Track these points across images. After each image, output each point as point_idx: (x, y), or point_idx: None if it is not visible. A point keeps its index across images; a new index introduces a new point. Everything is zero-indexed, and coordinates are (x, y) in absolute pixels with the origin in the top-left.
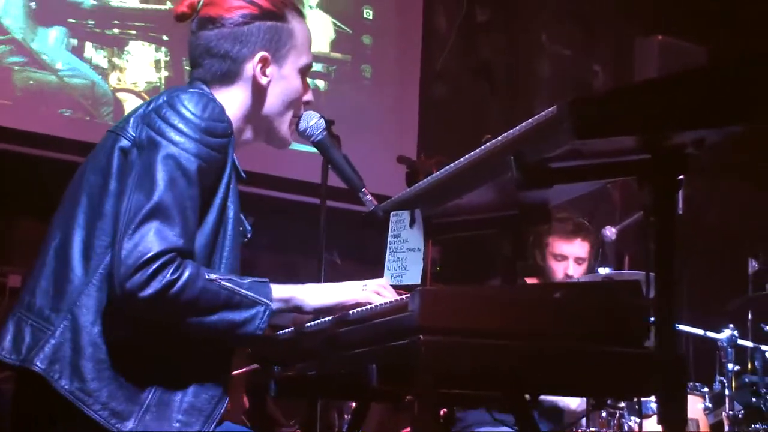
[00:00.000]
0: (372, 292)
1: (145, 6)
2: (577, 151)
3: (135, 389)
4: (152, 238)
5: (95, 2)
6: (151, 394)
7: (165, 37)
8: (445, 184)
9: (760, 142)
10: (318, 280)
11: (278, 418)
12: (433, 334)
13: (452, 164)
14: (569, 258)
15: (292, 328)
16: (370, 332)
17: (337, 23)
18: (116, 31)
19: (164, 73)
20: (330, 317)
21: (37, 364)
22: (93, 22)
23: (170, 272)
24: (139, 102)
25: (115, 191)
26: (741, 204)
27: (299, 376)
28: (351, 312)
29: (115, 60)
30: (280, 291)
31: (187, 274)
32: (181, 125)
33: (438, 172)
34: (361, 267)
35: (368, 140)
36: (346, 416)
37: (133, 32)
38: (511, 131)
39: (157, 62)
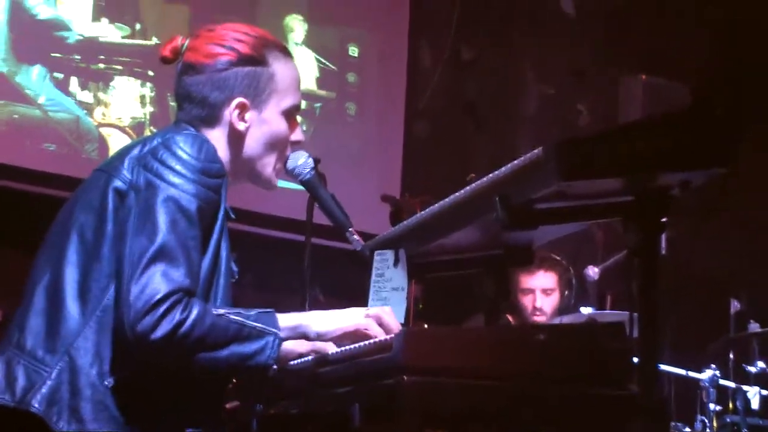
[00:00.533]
0: (371, 321)
1: (130, 41)
2: (562, 192)
3: (133, 431)
4: (159, 280)
5: (81, 37)
6: None
7: (150, 73)
8: (430, 224)
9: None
10: None
11: None
12: (416, 374)
13: (437, 204)
14: (535, 290)
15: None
16: (354, 371)
17: (322, 60)
18: (102, 66)
19: (149, 109)
20: (312, 357)
21: (35, 405)
22: (79, 57)
23: (179, 312)
24: (124, 137)
25: (113, 234)
26: (723, 245)
27: (281, 415)
28: (331, 352)
29: (100, 95)
30: (286, 320)
31: (195, 312)
32: (178, 167)
33: (423, 212)
34: (345, 304)
35: (352, 177)
36: None
37: (119, 67)
38: (496, 172)
39: (143, 98)
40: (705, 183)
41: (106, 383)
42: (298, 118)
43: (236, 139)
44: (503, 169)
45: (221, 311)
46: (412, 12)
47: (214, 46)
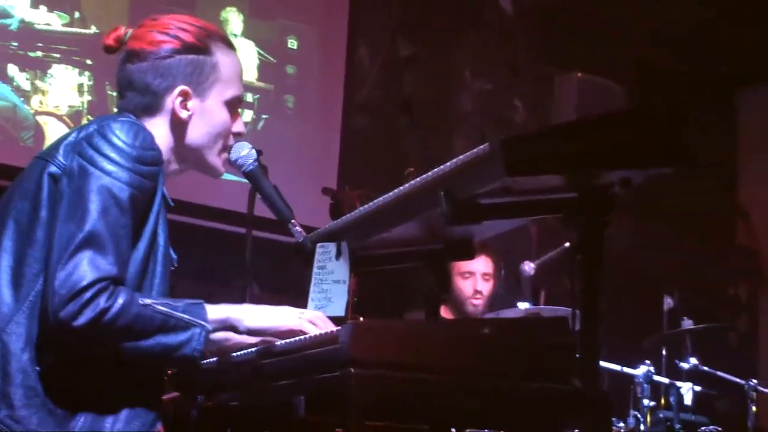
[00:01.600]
0: (307, 321)
1: (69, 30)
2: (506, 188)
3: (65, 416)
4: (85, 268)
5: (19, 24)
6: (82, 420)
7: (89, 62)
8: (373, 217)
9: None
10: None
11: None
12: (363, 367)
13: (381, 197)
14: (476, 274)
15: (216, 358)
16: (299, 363)
17: (261, 52)
18: (40, 53)
19: (87, 98)
20: (256, 348)
21: None
22: (16, 44)
23: (104, 300)
24: (60, 126)
25: (46, 219)
26: (656, 243)
27: (222, 406)
28: (278, 342)
29: (38, 83)
30: (215, 312)
31: (121, 301)
32: (112, 154)
33: (367, 205)
34: (283, 298)
35: (289, 170)
36: None
37: (57, 55)
38: (442, 167)
39: (80, 86)
40: (646, 181)
41: (38, 369)
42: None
43: (178, 127)
44: (448, 164)
45: (148, 301)
46: (352, 6)
47: (158, 34)
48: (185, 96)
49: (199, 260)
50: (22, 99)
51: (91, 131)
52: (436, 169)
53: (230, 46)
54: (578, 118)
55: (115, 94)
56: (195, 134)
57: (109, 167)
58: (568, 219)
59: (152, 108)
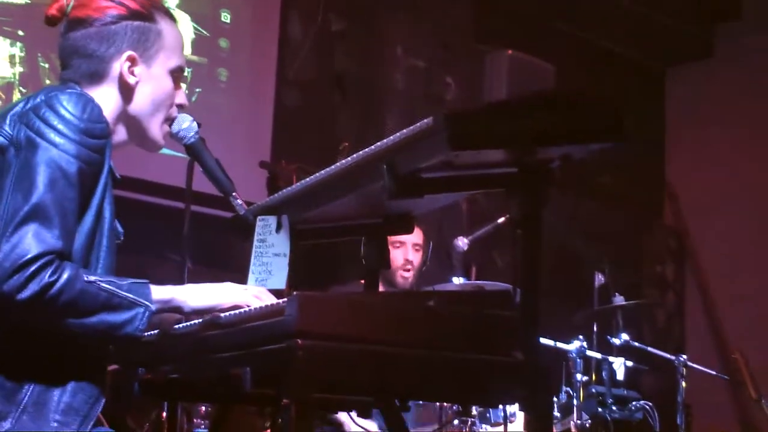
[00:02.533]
0: (252, 296)
1: (1, 0)
2: (448, 162)
3: (12, 389)
4: (30, 241)
5: None
6: (29, 393)
7: (21, 32)
8: (314, 190)
9: (606, 163)
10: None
11: (129, 424)
12: (310, 338)
13: (323, 171)
14: (407, 243)
15: (158, 330)
16: (244, 336)
17: (195, 25)
18: None
19: (18, 69)
20: (199, 320)
21: None
22: None
23: (48, 274)
24: None
25: None
26: (588, 220)
27: (163, 379)
28: (223, 315)
29: None
30: (160, 292)
31: (65, 276)
32: (60, 126)
33: (308, 178)
34: (216, 272)
35: (223, 143)
36: (195, 420)
37: None
38: (385, 141)
39: (12, 57)
40: (586, 157)
41: None
42: None
43: (126, 93)
44: (392, 137)
45: (93, 278)
46: None
47: (103, 1)
48: (132, 62)
49: (133, 234)
50: None
51: (39, 102)
52: (378, 144)
53: (172, 17)
54: (520, 94)
55: (47, 65)
56: (140, 101)
57: (57, 139)
58: (509, 193)
59: (99, 75)
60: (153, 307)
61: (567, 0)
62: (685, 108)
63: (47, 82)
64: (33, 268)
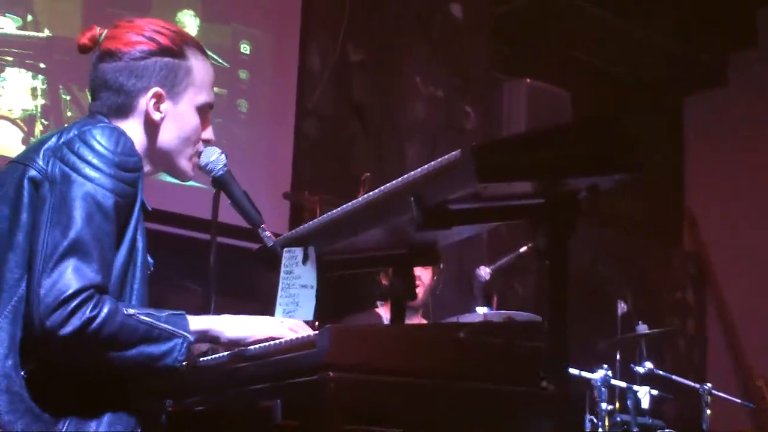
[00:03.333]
0: (287, 329)
1: (23, 33)
2: (477, 194)
3: (50, 420)
4: (71, 276)
5: None
6: (66, 425)
7: (42, 65)
8: (342, 222)
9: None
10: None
11: None
12: (341, 371)
13: (350, 203)
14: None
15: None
16: (275, 368)
17: (214, 57)
18: None
19: (41, 101)
20: (228, 352)
21: None
22: None
23: (89, 309)
24: (14, 129)
25: (27, 223)
26: (606, 249)
27: (190, 411)
28: (253, 347)
29: None
30: (197, 323)
31: (106, 310)
32: (95, 160)
33: (335, 210)
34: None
35: (243, 174)
36: None
37: (10, 59)
38: (412, 173)
39: (34, 90)
40: (613, 188)
41: (22, 374)
42: None
43: (150, 129)
44: (419, 170)
45: (132, 311)
46: (304, 12)
47: (134, 35)
48: (158, 98)
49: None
50: None
51: (72, 137)
52: (406, 176)
53: (204, 53)
54: (546, 125)
55: (68, 97)
56: (166, 137)
57: (92, 174)
58: (536, 224)
59: (125, 109)
60: (191, 338)
61: (583, 29)
62: (704, 135)
63: (69, 114)
64: (74, 303)
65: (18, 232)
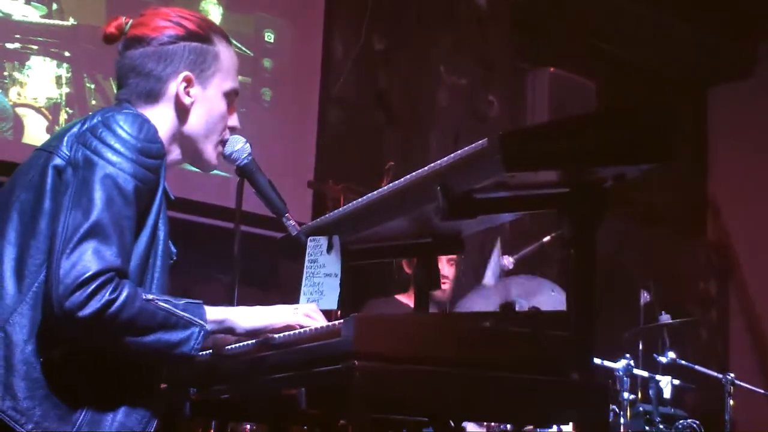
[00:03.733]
0: (302, 316)
1: (47, 21)
2: (503, 183)
3: (67, 409)
4: (90, 258)
5: None
6: (83, 413)
7: (67, 54)
8: (366, 211)
9: (652, 178)
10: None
11: None
12: (367, 359)
13: (376, 192)
14: (442, 259)
15: (208, 351)
16: (300, 356)
17: (238, 45)
18: (18, 45)
19: (65, 90)
20: (253, 341)
21: None
22: None
23: (109, 292)
24: (39, 118)
25: (50, 210)
26: (630, 239)
27: (215, 400)
28: (277, 336)
29: (16, 74)
30: (214, 313)
31: (125, 294)
32: (117, 145)
33: (360, 199)
34: (264, 293)
35: (267, 163)
36: None
37: (35, 47)
38: (439, 162)
39: (59, 78)
40: (640, 176)
41: (42, 360)
42: None
43: (181, 113)
44: (445, 159)
45: (151, 296)
46: (327, 0)
47: (161, 21)
48: (189, 82)
49: (180, 254)
50: (0, 91)
51: (96, 123)
52: (432, 164)
53: (229, 41)
54: (575, 114)
55: (92, 86)
56: (195, 122)
57: (114, 158)
58: (562, 214)
59: (155, 94)
60: (208, 327)
61: (607, 18)
62: (727, 125)
63: (93, 102)
64: (94, 285)
65: (40, 219)
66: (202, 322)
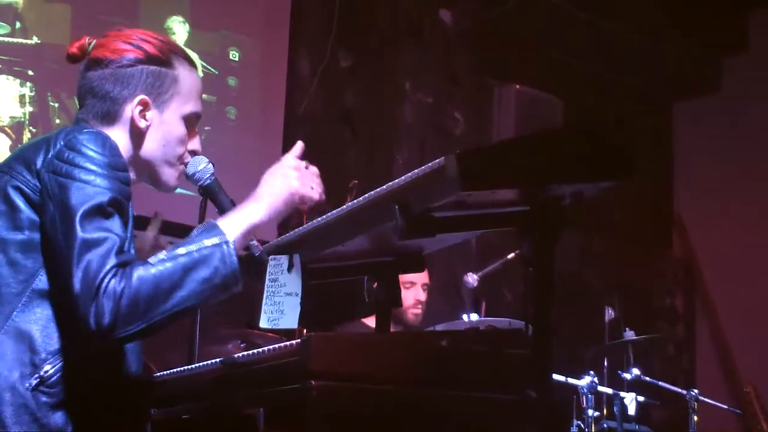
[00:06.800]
0: (304, 185)
1: (10, 40)
2: (461, 201)
3: None
4: (92, 272)
5: None
6: None
7: (30, 72)
8: (326, 230)
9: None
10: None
11: None
12: (324, 379)
13: (335, 210)
14: (417, 284)
15: (169, 371)
16: (259, 376)
17: (204, 63)
18: None
19: (29, 109)
20: (214, 360)
21: None
22: None
23: (116, 284)
24: (1, 137)
25: (25, 242)
26: (595, 255)
27: (175, 419)
28: (238, 355)
29: None
30: (230, 225)
31: (135, 275)
32: (87, 164)
33: (320, 218)
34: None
35: (231, 182)
36: None
37: None
38: (396, 180)
39: (22, 97)
40: (596, 194)
41: (27, 386)
42: None
43: (136, 137)
44: (403, 177)
45: (155, 259)
46: (293, 19)
47: (121, 43)
48: (144, 106)
49: None
50: None
51: (60, 148)
52: (389, 183)
53: (192, 63)
54: (531, 131)
55: (56, 105)
56: (151, 146)
57: (88, 177)
58: (522, 232)
59: (111, 116)
60: (229, 238)
61: (573, 34)
62: (693, 140)
63: (57, 121)
64: (101, 291)
65: (11, 250)
66: (219, 240)
